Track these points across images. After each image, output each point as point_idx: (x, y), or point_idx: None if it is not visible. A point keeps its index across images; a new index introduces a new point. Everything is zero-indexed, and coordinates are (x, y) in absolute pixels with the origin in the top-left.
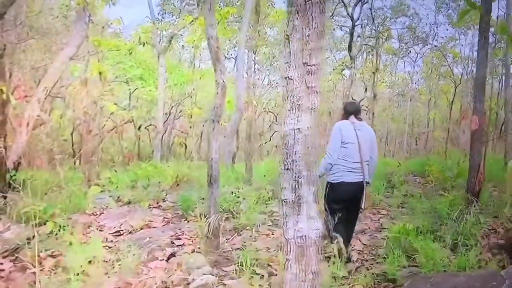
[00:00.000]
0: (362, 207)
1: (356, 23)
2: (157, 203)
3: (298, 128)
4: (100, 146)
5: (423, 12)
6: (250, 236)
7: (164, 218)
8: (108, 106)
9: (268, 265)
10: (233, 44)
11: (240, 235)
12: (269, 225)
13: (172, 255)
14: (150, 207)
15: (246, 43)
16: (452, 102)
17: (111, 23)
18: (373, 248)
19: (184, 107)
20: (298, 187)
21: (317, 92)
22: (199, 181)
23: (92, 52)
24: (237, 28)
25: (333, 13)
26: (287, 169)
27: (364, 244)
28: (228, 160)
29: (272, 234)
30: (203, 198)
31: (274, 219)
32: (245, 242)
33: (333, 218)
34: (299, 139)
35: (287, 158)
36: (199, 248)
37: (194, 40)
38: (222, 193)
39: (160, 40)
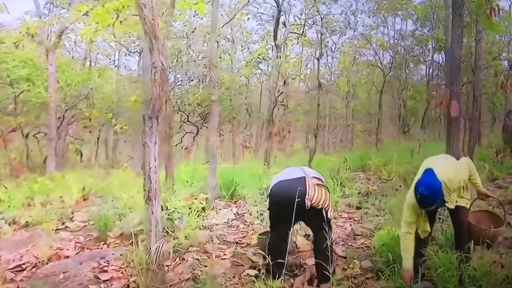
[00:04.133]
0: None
1: (281, 9)
2: (63, 223)
3: None
4: None
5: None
6: (197, 259)
7: (76, 242)
8: None
9: None
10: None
11: (184, 259)
12: (216, 243)
13: None
14: (56, 230)
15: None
16: (381, 91)
17: None
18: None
19: (77, 111)
20: None
21: None
22: (111, 192)
23: None
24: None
25: (249, 1)
26: None
27: (341, 257)
28: (137, 166)
29: (224, 254)
30: (121, 214)
31: (220, 234)
32: (194, 269)
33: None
34: None
35: None
36: (134, 282)
37: (90, 33)
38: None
39: (48, 36)
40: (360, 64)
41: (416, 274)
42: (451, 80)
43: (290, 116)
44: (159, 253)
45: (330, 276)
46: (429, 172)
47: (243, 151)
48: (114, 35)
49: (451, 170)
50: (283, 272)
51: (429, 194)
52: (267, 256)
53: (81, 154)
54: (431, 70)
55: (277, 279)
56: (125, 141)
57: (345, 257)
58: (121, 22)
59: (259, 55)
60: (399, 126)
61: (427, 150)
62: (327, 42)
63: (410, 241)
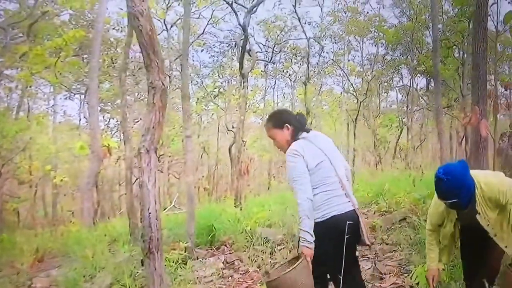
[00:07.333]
0: (367, 242)
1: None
2: None
3: None
4: None
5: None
6: None
7: None
8: None
9: None
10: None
11: None
12: None
13: None
14: None
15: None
16: (355, 119)
17: None
18: None
19: (13, 165)
20: None
21: None
22: (72, 252)
23: None
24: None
25: (204, 30)
26: None
27: None
28: (88, 219)
29: None
30: (89, 276)
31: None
32: None
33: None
34: None
35: None
36: None
37: (27, 76)
38: (118, 263)
39: None
40: (324, 93)
41: None
42: (477, 99)
43: (249, 152)
44: None
45: None
46: (460, 161)
47: (198, 193)
48: (56, 75)
49: (492, 176)
50: None
51: (448, 179)
52: None
53: (18, 213)
54: (401, 96)
55: None
56: (65, 195)
57: None
58: (62, 61)
59: (215, 89)
60: (374, 156)
61: (428, 178)
62: (286, 71)
63: (435, 238)
